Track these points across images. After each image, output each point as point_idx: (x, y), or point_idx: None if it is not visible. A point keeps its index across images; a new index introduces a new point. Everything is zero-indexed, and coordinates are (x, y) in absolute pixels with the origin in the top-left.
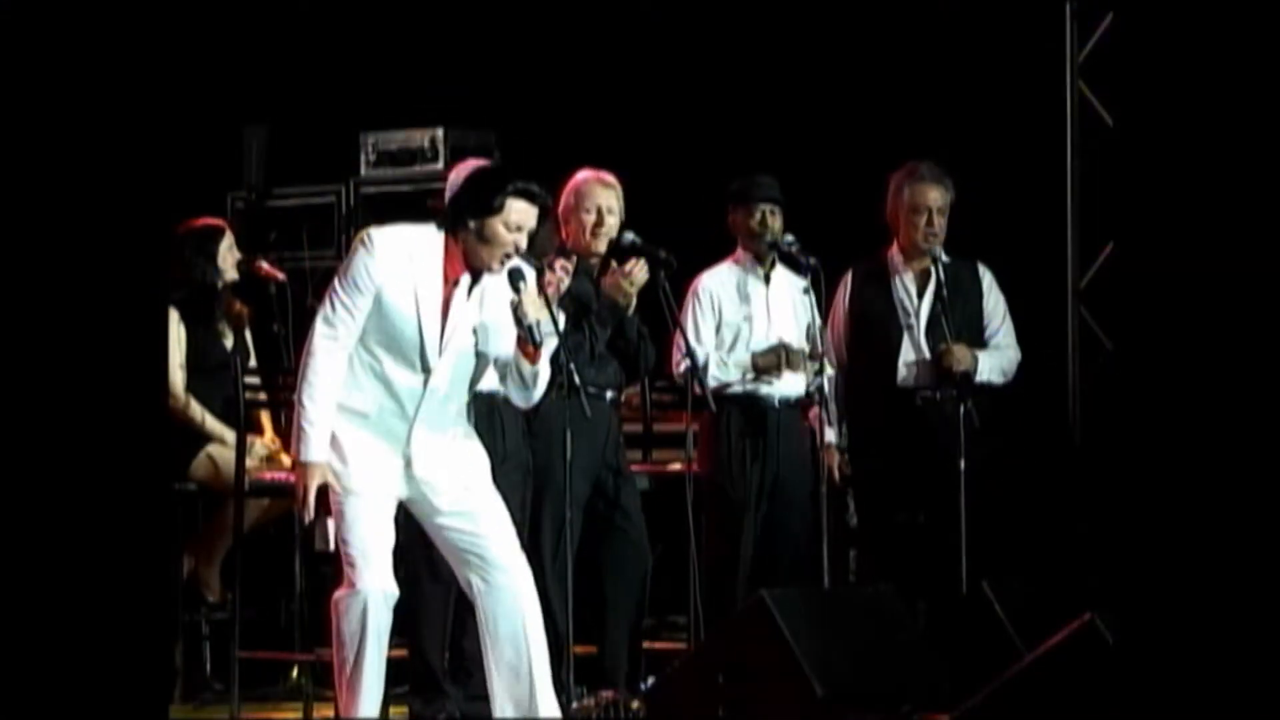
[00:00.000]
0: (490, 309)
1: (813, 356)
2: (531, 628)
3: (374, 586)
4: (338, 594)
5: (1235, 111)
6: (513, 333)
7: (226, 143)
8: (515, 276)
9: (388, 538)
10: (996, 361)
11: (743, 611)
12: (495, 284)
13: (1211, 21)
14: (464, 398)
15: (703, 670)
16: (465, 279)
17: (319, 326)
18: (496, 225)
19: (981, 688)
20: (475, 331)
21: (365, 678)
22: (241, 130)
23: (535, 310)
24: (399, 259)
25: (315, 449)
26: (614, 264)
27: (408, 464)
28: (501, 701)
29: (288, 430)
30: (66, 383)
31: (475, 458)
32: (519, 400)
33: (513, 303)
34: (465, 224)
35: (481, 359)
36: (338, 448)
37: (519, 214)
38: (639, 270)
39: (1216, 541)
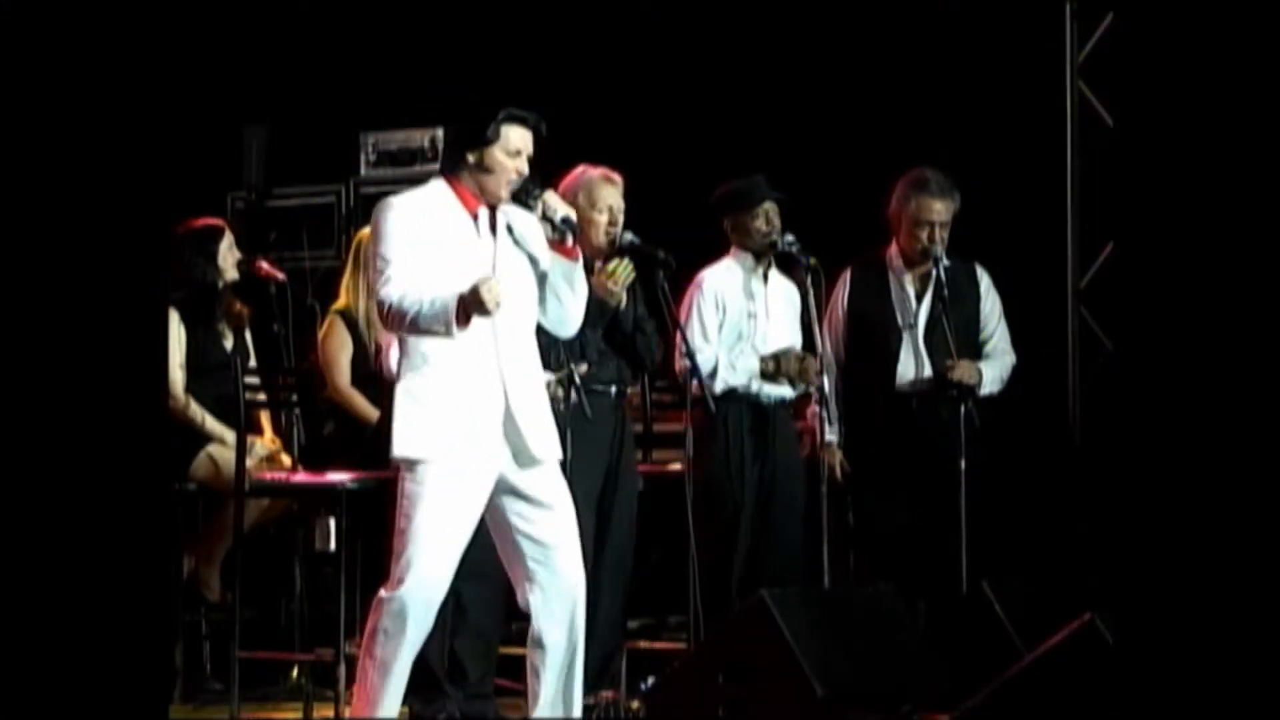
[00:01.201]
0: (517, 227)
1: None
2: (578, 637)
3: (418, 594)
4: (382, 593)
5: (1235, 111)
6: (544, 243)
7: (226, 143)
8: (527, 194)
9: (458, 531)
10: (996, 372)
11: (743, 611)
12: (512, 210)
13: (1211, 21)
14: (532, 336)
15: (703, 670)
16: (483, 212)
17: (380, 293)
18: (496, 153)
19: (981, 688)
20: (517, 242)
21: (391, 682)
22: (241, 130)
23: (562, 207)
24: (418, 211)
25: (450, 300)
26: (598, 264)
27: (507, 409)
28: (536, 702)
29: (288, 430)
30: (67, 383)
31: (554, 439)
32: (557, 324)
33: (538, 208)
34: (465, 160)
35: (535, 271)
36: (431, 421)
37: (517, 139)
38: (622, 268)
39: (1216, 541)
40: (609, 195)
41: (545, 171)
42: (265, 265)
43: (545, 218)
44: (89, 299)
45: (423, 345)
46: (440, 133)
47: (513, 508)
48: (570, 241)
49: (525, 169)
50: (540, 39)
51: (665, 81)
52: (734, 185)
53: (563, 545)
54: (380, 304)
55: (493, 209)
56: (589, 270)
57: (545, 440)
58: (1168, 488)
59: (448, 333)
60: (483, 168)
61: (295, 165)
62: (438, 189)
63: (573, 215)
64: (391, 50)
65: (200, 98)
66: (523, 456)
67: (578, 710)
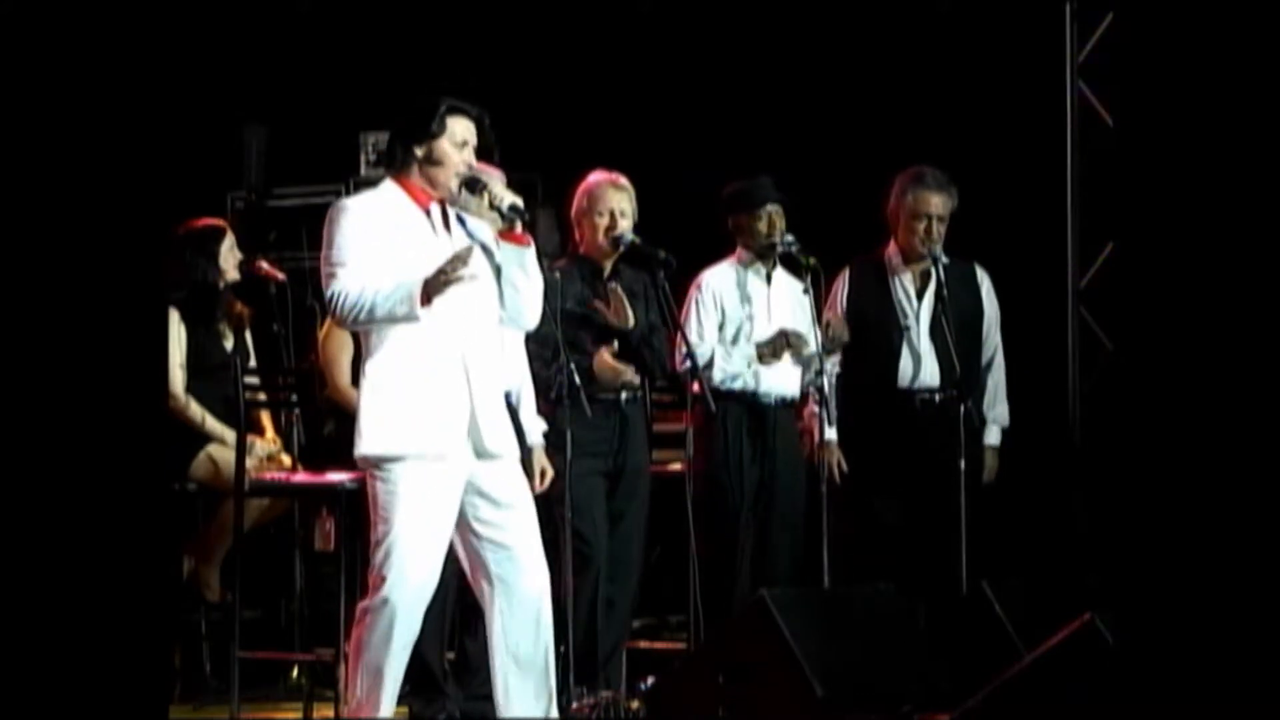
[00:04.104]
0: (470, 221)
1: (824, 349)
2: (545, 638)
3: (405, 597)
4: (365, 602)
5: (1235, 111)
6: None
7: (226, 143)
8: (475, 184)
9: (438, 529)
10: (1003, 408)
11: (743, 611)
12: (464, 202)
13: (1211, 21)
14: (495, 332)
15: (703, 670)
16: (435, 207)
17: (331, 288)
18: (443, 145)
19: (981, 688)
20: (470, 235)
21: (384, 688)
22: (241, 130)
23: (508, 195)
24: (370, 212)
25: (413, 281)
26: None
27: (471, 403)
28: (507, 705)
29: (288, 430)
30: (67, 383)
31: (514, 442)
32: (515, 315)
33: (487, 198)
34: (413, 156)
35: (491, 265)
36: (398, 416)
37: (462, 130)
38: (629, 374)
39: (1216, 541)
40: (611, 199)
41: (553, 176)
42: (265, 265)
43: (494, 207)
44: (89, 299)
45: (386, 340)
46: None
47: (475, 507)
48: (519, 228)
49: (472, 159)
50: (540, 39)
51: (666, 82)
52: (739, 185)
53: (525, 545)
54: (333, 298)
55: (444, 204)
56: (596, 274)
57: (503, 436)
58: (1167, 487)
59: (410, 313)
60: (431, 161)
61: (295, 165)
62: (388, 189)
63: (519, 202)
64: (391, 50)
65: (200, 98)
66: (482, 452)
67: (555, 710)
